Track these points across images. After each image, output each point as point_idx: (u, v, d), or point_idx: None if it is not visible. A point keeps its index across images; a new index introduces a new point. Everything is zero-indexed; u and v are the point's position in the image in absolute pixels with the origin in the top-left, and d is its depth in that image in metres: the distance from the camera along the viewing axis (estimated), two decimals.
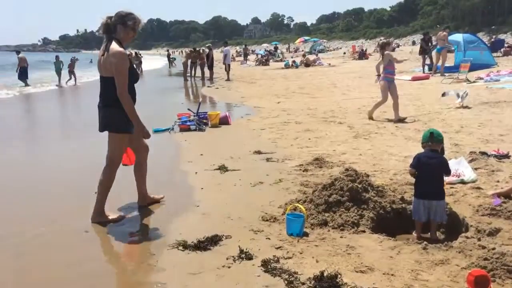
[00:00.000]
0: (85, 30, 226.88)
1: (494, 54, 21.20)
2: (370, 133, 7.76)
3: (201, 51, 25.60)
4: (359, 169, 5.50)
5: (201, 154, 6.86)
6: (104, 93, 4.14)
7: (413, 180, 4.85)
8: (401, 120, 8.73)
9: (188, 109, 9.74)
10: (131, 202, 4.72)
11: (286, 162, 6.16)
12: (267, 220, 4.05)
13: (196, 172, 5.82)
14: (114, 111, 4.04)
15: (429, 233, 3.90)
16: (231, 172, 5.76)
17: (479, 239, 3.42)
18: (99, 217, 4.22)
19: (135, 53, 39.75)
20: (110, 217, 4.25)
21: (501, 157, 5.64)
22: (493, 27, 57.22)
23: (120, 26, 4.09)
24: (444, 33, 17.61)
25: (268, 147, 7.06)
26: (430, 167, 3.79)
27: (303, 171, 5.66)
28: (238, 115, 10.87)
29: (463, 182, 4.82)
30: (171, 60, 42.52)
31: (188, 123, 9.19)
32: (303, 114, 10.35)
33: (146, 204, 4.67)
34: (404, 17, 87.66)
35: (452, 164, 5.07)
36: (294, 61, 29.67)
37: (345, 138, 7.47)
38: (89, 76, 25.96)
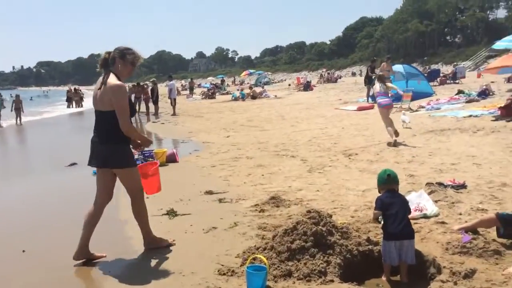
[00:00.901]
0: (22, 66, 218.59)
1: (431, 84, 22.22)
2: (324, 166, 7.55)
3: (145, 86, 24.99)
4: (318, 207, 5.26)
5: (147, 197, 6.29)
6: (101, 127, 4.05)
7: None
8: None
9: (132, 148, 9.12)
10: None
11: (241, 203, 5.76)
12: (224, 274, 3.60)
13: None
14: (118, 148, 4.01)
15: (398, 276, 3.63)
16: (181, 217, 5.27)
17: (455, 283, 3.16)
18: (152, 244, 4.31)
19: (74, 89, 38.35)
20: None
21: (458, 187, 5.57)
22: (425, 58, 60.95)
23: (119, 59, 4.02)
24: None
25: (219, 186, 6.63)
26: (396, 206, 3.59)
27: (260, 212, 5.28)
28: (186, 151, 10.39)
29: (425, 216, 4.64)
30: None
31: None
32: (254, 148, 10.05)
33: (85, 259, 4.12)
34: (343, 50, 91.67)
35: (413, 197, 4.91)
36: (241, 91, 29.81)
37: (299, 173, 7.21)
38: (34, 114, 24.55)
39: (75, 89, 38.08)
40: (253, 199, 5.86)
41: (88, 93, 59.12)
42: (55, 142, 14.26)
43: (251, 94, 29.19)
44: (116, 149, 4.01)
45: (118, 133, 3.92)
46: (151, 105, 22.40)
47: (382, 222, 3.77)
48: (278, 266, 3.56)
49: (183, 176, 7.75)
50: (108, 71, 3.99)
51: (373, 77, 19.28)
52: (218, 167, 8.16)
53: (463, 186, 5.60)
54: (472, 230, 4.07)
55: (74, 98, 34.62)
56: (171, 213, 5.38)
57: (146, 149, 9.18)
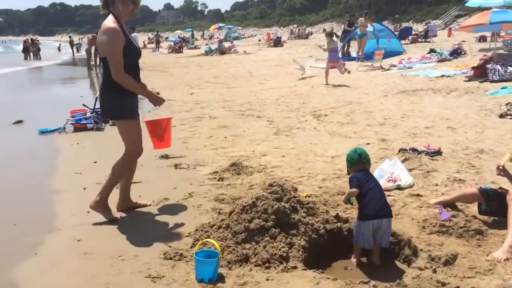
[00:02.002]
0: None
1: (402, 42, 21.75)
2: (292, 128, 7.04)
3: None
4: (283, 175, 4.79)
5: (95, 162, 5.67)
6: (103, 75, 3.79)
7: (344, 187, 4.21)
8: None
9: (83, 105, 8.34)
10: None
11: (198, 169, 5.22)
12: (170, 258, 3.09)
13: (84, 188, 4.68)
14: (112, 97, 3.71)
15: (368, 257, 3.22)
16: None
17: (434, 271, 2.76)
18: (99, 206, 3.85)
19: (31, 39, 36.12)
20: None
21: (433, 153, 5.18)
22: (396, 16, 60.35)
23: None
24: (366, 19, 17.54)
25: (177, 150, 6.04)
26: (372, 183, 3.14)
27: (218, 180, 4.76)
28: (145, 109, 9.63)
29: (399, 188, 4.23)
30: (77, 47, 39.25)
31: (84, 122, 7.85)
32: (219, 107, 9.43)
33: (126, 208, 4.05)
34: (315, 6, 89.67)
35: (386, 166, 4.49)
36: (220, 42, 29.00)
37: (265, 135, 6.68)
38: None
39: (32, 39, 35.78)
40: (213, 165, 5.32)
41: (48, 44, 56.18)
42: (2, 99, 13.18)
43: (220, 49, 28.07)
44: (111, 98, 3.72)
45: (115, 82, 3.60)
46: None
47: (355, 203, 3.33)
48: (234, 249, 3.07)
49: None
50: (108, 12, 3.65)
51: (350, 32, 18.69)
52: (178, 128, 7.53)
53: (438, 152, 5.21)
54: (450, 204, 3.69)
55: (31, 49, 32.54)
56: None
57: (99, 106, 8.46)
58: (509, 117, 6.81)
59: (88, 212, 3.99)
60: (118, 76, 3.58)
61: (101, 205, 3.82)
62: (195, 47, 35.57)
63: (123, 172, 3.94)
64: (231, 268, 2.93)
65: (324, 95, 10.20)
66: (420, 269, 2.80)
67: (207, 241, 2.98)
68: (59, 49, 43.02)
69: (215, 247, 2.87)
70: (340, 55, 18.45)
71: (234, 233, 3.20)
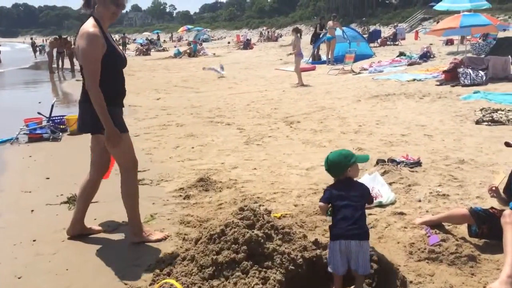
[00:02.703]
0: None
1: (371, 45, 21.82)
2: (263, 137, 6.67)
3: (68, 38, 22.61)
4: (255, 190, 4.42)
5: (47, 178, 5.14)
6: (83, 85, 3.25)
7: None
8: None
9: (38, 113, 7.72)
10: None
11: (163, 185, 4.77)
12: None
13: (32, 210, 4.16)
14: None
15: None
16: None
17: None
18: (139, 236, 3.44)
19: None
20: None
21: (412, 164, 4.91)
22: (364, 18, 61.12)
23: None
24: (334, 22, 17.39)
25: (140, 162, 5.40)
26: (346, 199, 2.75)
27: (184, 199, 4.33)
28: None
29: (381, 205, 3.92)
30: (39, 49, 37.76)
31: (39, 131, 7.26)
32: (186, 114, 8.98)
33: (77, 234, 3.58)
34: (284, 8, 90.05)
35: (366, 180, 4.16)
36: (190, 44, 28.44)
37: (235, 145, 6.29)
38: None
39: None
40: (178, 180, 4.89)
41: (6, 47, 53.92)
42: None
43: (188, 51, 27.52)
44: (92, 110, 3.16)
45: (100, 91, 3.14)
46: (76, 60, 20.31)
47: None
48: (200, 287, 2.66)
49: None
50: (90, 15, 3.23)
51: (320, 35, 18.51)
52: (142, 137, 7.05)
53: (418, 163, 4.95)
54: (437, 224, 3.39)
55: None
56: (72, 201, 4.28)
57: (55, 114, 7.87)
58: (485, 123, 6.65)
59: (34, 240, 3.51)
60: (90, 88, 3.12)
61: (140, 234, 3.44)
62: (163, 50, 34.84)
63: (136, 190, 3.50)
64: None
65: (296, 100, 9.89)
66: None
67: (167, 282, 2.55)
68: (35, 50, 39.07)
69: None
70: (310, 59, 18.34)
71: (200, 267, 2.79)
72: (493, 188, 3.08)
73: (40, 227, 3.80)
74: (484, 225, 3.11)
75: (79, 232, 3.59)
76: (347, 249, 2.70)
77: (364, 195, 2.85)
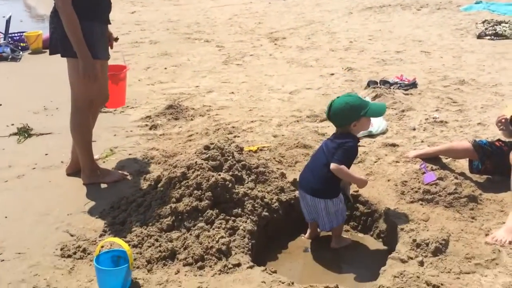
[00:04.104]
0: None
1: None
2: (244, 56, 6.05)
3: None
4: (230, 119, 3.94)
5: (0, 104, 4.58)
6: None
7: (304, 135, 3.44)
8: None
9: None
10: None
11: (127, 113, 4.25)
12: (69, 256, 2.25)
13: None
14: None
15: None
16: (35, 139, 3.72)
17: (421, 264, 2.08)
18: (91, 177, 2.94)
19: None
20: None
21: (407, 86, 4.41)
22: None
23: None
24: None
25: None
26: (317, 152, 2.46)
27: (150, 129, 3.85)
28: None
29: (371, 134, 3.48)
30: None
31: None
32: (162, 29, 8.18)
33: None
34: None
35: None
36: None
37: (213, 65, 5.68)
38: None
39: None
40: (146, 107, 4.37)
41: None
42: None
43: None
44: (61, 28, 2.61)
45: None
46: None
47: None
48: (156, 240, 2.26)
49: (62, 68, 5.90)
50: None
51: None
52: (111, 56, 6.35)
53: (413, 84, 4.45)
54: (432, 156, 2.97)
55: None
56: (23, 133, 3.78)
57: (13, 31, 7.07)
58: (487, 37, 6.06)
59: None
60: (60, 6, 2.56)
61: (91, 175, 2.95)
62: None
63: (88, 127, 2.96)
64: (151, 269, 2.14)
65: (282, 13, 9.07)
66: (402, 261, 2.10)
67: (113, 240, 2.13)
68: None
69: (125, 249, 2.03)
70: None
71: (157, 217, 2.38)
72: (503, 120, 2.62)
73: None
74: (489, 161, 2.71)
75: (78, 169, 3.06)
76: (304, 201, 2.43)
77: (329, 151, 2.33)
